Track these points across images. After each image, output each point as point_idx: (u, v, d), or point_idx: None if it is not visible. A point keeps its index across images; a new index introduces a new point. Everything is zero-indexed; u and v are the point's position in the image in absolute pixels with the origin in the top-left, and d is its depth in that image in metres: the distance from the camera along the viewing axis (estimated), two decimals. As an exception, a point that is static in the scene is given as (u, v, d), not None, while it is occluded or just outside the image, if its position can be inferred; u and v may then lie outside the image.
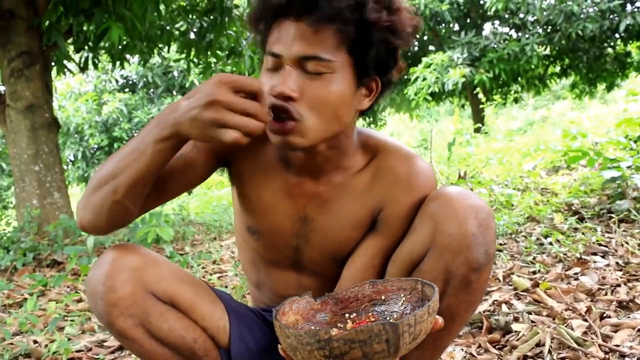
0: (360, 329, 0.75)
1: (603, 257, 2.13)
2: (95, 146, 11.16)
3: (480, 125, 8.46)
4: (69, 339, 1.95)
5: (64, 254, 3.45)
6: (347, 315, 0.99)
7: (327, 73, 0.95)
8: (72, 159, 11.26)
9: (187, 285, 1.05)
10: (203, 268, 2.90)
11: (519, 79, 11.88)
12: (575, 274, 1.97)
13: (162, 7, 4.79)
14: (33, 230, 3.83)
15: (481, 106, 8.79)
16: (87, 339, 1.97)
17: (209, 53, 5.31)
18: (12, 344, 1.94)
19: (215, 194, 8.90)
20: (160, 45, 5.39)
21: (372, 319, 0.95)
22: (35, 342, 1.95)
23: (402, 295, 0.95)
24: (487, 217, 1.00)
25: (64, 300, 2.40)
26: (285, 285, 1.20)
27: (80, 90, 11.47)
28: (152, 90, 11.42)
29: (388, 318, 0.95)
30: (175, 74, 11.04)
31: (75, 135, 11.07)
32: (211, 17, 4.95)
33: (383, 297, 0.98)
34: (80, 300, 2.49)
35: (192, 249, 3.56)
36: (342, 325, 0.97)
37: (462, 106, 14.09)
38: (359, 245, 1.12)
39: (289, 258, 1.17)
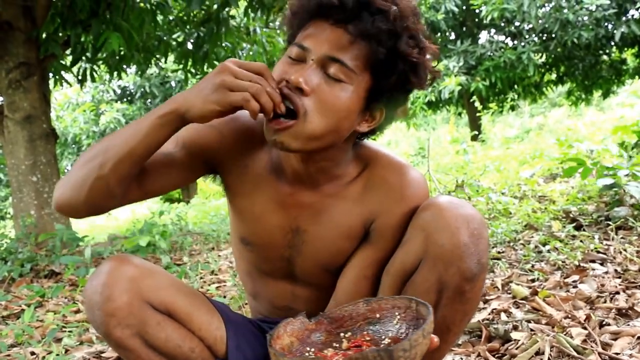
0: (355, 355, 0.74)
1: (601, 264, 2.13)
2: (93, 156, 11.15)
3: (477, 133, 8.48)
4: (66, 351, 1.94)
5: (61, 265, 3.44)
6: (342, 334, 0.98)
7: (345, 82, 0.97)
8: (70, 169, 11.25)
9: (184, 296, 1.05)
10: (201, 278, 2.90)
11: (515, 86, 11.93)
12: (574, 281, 1.96)
13: (159, 17, 4.82)
14: (31, 240, 3.82)
15: (478, 114, 8.81)
16: (85, 350, 1.95)
17: (205, 63, 5.33)
18: (9, 355, 1.93)
19: (214, 204, 8.89)
20: (158, 56, 5.40)
21: (367, 338, 0.95)
22: (32, 353, 1.94)
23: (397, 313, 0.95)
24: (479, 227, 1.00)
25: (62, 311, 2.39)
26: (280, 295, 1.20)
27: (78, 100, 11.49)
28: (149, 100, 11.43)
29: (383, 337, 0.94)
30: (173, 84, 11.06)
31: (73, 146, 11.07)
32: (207, 28, 4.97)
33: (378, 316, 0.97)
34: (78, 311, 2.47)
35: (190, 259, 3.55)
36: (337, 345, 0.96)
37: (459, 114, 14.13)
38: (352, 256, 1.12)
39: (282, 269, 1.17)
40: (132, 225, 5.86)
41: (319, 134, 0.98)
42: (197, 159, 1.10)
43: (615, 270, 2.03)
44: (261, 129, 1.07)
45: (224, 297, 2.41)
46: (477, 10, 10.88)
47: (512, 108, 13.04)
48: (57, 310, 2.50)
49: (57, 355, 1.82)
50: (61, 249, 3.72)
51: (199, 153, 1.10)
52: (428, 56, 1.01)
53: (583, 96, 12.84)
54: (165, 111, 0.96)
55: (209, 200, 10.90)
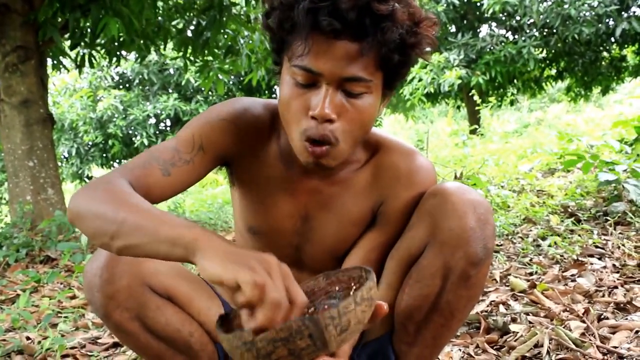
0: (280, 327, 0.72)
1: (599, 259, 2.13)
2: (90, 143, 11.11)
3: (476, 127, 8.48)
4: (62, 336, 1.93)
5: (57, 251, 3.43)
6: (305, 309, 0.97)
7: (365, 93, 0.95)
8: (67, 155, 11.20)
9: (184, 280, 1.04)
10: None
11: (515, 81, 11.91)
12: (572, 275, 1.96)
13: (159, 3, 4.77)
14: (26, 226, 3.80)
15: (477, 108, 8.80)
16: (81, 335, 1.95)
17: (205, 51, 5.29)
18: (4, 340, 1.92)
19: (210, 192, 8.87)
20: (157, 43, 5.36)
21: None
22: (28, 338, 1.93)
23: (352, 284, 0.93)
24: (486, 212, 1.00)
25: (58, 296, 2.38)
26: None
27: (75, 86, 11.42)
28: (147, 87, 11.37)
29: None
30: (171, 71, 11.00)
31: (70, 132, 11.02)
32: (209, 15, 4.92)
33: (337, 288, 0.96)
34: (73, 297, 2.46)
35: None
36: None
37: (458, 107, 14.11)
38: (358, 240, 1.12)
39: (289, 257, 1.16)
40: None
41: (353, 147, 1.00)
42: (214, 156, 1.08)
43: (614, 265, 2.03)
44: (268, 118, 1.08)
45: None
46: (478, 4, 10.84)
47: (512, 103, 13.03)
48: (52, 296, 2.49)
49: (53, 340, 1.81)
50: (57, 235, 3.70)
51: (216, 150, 1.07)
52: (426, 26, 0.97)
53: (582, 92, 12.83)
54: (178, 256, 0.78)
55: (206, 189, 10.88)
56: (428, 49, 0.98)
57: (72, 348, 1.82)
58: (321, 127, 0.93)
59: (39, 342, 1.87)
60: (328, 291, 0.97)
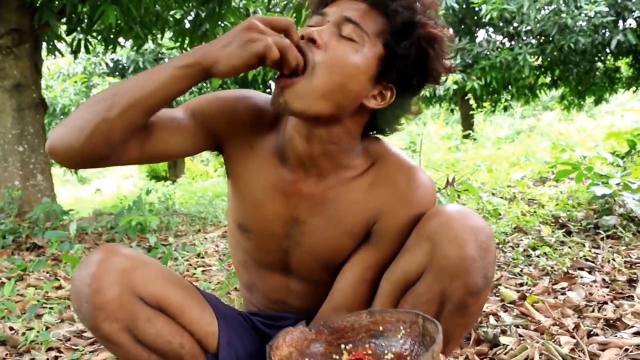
0: None
1: (589, 272, 2.13)
2: (81, 129, 10.99)
3: (470, 131, 8.50)
4: (47, 328, 1.90)
5: (44, 238, 3.39)
6: (342, 345, 0.95)
7: (357, 42, 0.96)
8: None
9: (176, 289, 1.02)
10: (187, 261, 2.87)
11: (510, 87, 11.95)
12: (563, 288, 1.97)
13: (158, -8, 4.72)
14: (14, 212, 3.75)
15: (471, 112, 8.82)
16: (66, 328, 1.92)
17: (203, 43, 5.25)
18: (-13, 329, 1.89)
19: (200, 185, 8.82)
20: (154, 32, 5.31)
21: (369, 352, 0.92)
22: (11, 329, 1.90)
23: (402, 327, 0.92)
24: (487, 239, 0.96)
25: (43, 287, 2.35)
26: (274, 288, 1.17)
27: (69, 71, 11.30)
28: (141, 75, 11.28)
29: (385, 351, 0.92)
30: (167, 61, 10.91)
31: (61, 117, 10.88)
32: (208, 8, 4.88)
33: (381, 329, 0.94)
34: (59, 287, 2.44)
35: (176, 240, 3.52)
36: (337, 357, 0.94)
37: (451, 110, 14.14)
38: (352, 256, 1.09)
39: (278, 261, 1.14)
40: (119, 202, 5.81)
41: (323, 90, 0.95)
42: (204, 129, 1.07)
43: (603, 280, 2.03)
44: (271, 112, 1.06)
45: (210, 282, 2.38)
46: (476, 9, 10.85)
47: (505, 109, 13.08)
48: (38, 285, 2.46)
49: (38, 332, 1.78)
50: (44, 222, 3.66)
51: (208, 124, 1.07)
52: (443, 38, 0.99)
53: (576, 101, 12.91)
54: (187, 62, 0.92)
55: (196, 181, 10.82)
56: (437, 58, 0.98)
57: (57, 340, 1.80)
58: (303, 40, 0.96)
59: (24, 334, 1.84)
60: (370, 329, 0.95)
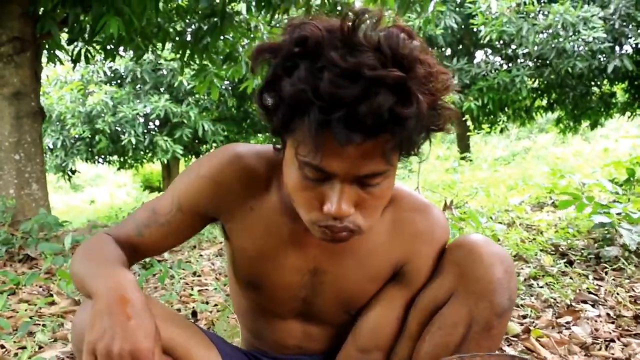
0: None
1: (593, 305, 2.11)
2: (77, 136, 10.93)
3: (467, 153, 8.52)
4: (40, 347, 1.85)
5: (37, 250, 3.33)
6: None
7: (384, 180, 0.87)
8: (52, 146, 11.00)
9: (180, 329, 0.98)
10: (182, 279, 2.82)
11: (506, 109, 12.02)
12: (567, 322, 1.94)
13: (161, 4, 4.71)
14: (7, 221, 3.70)
15: (468, 134, 8.85)
16: (60, 348, 1.87)
17: (204, 56, 5.24)
18: (-22, 348, 1.84)
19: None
20: (155, 43, 5.30)
21: None
22: (2, 347, 1.85)
23: None
24: (511, 266, 1.01)
25: (37, 302, 2.30)
26: (289, 335, 1.14)
27: (67, 78, 11.25)
28: (139, 85, 11.25)
29: None
30: (165, 72, 10.89)
31: (57, 124, 10.83)
32: (211, 21, 4.89)
33: None
34: (53, 303, 2.38)
35: (171, 257, 3.47)
36: None
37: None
38: (376, 296, 1.08)
39: (295, 309, 1.11)
40: (113, 214, 5.76)
41: (373, 224, 0.93)
42: (195, 215, 1.05)
43: (608, 314, 2.01)
44: (264, 168, 1.01)
45: (207, 302, 2.34)
46: (475, 29, 10.94)
47: (502, 130, 13.15)
48: (30, 300, 2.41)
49: (31, 353, 1.73)
50: (38, 232, 3.60)
51: (198, 210, 1.04)
52: (446, 100, 0.91)
53: (571, 125, 13.00)
54: (92, 290, 0.90)
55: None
56: (448, 125, 0.93)
57: (49, 361, 1.75)
58: (339, 221, 0.87)
59: (16, 354, 1.79)
60: None
